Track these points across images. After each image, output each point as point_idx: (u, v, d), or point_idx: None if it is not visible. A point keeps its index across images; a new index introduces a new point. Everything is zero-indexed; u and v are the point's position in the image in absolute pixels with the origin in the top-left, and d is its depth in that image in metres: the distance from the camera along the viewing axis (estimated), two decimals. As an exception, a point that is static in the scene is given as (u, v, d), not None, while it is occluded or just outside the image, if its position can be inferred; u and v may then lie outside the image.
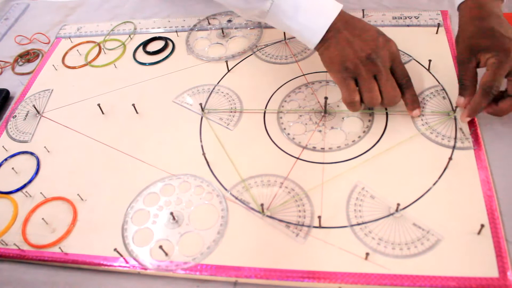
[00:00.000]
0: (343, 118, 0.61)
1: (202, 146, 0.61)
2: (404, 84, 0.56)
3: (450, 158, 0.54)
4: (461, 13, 0.59)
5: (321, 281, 0.47)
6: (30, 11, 0.96)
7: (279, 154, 0.58)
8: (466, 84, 0.55)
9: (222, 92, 0.68)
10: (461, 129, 0.57)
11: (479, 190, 0.51)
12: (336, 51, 0.55)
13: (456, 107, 0.58)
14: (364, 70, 0.54)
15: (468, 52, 0.55)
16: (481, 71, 0.55)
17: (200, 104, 0.65)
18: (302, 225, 0.51)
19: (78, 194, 0.58)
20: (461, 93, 0.56)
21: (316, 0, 0.56)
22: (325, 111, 0.61)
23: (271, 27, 0.75)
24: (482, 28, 0.55)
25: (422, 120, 0.59)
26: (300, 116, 0.62)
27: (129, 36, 0.81)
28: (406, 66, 0.64)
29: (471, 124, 0.57)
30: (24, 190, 0.60)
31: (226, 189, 0.56)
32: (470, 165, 0.53)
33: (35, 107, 0.71)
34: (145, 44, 0.79)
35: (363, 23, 0.57)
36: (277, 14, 0.57)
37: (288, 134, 0.60)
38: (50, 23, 0.90)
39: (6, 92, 0.74)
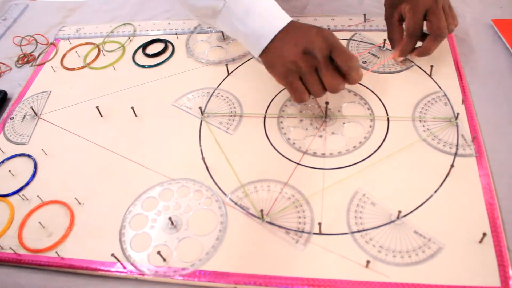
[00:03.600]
0: (344, 123, 0.60)
1: (201, 150, 0.60)
2: (346, 71, 0.54)
3: (452, 165, 0.53)
4: None
5: (321, 288, 0.46)
6: (28, 12, 0.95)
7: (279, 159, 0.58)
8: (393, 38, 0.65)
9: (222, 96, 0.67)
10: (463, 135, 0.56)
11: (481, 198, 0.50)
12: (276, 53, 0.55)
13: (458, 114, 0.57)
14: (304, 66, 0.54)
15: (390, 8, 0.64)
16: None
17: (200, 107, 0.65)
18: (302, 231, 0.51)
19: (75, 198, 0.57)
20: (392, 46, 0.66)
21: (268, 7, 0.56)
22: (325, 116, 0.61)
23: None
24: None
25: (423, 126, 0.58)
26: (301, 121, 0.61)
27: (129, 38, 0.81)
28: (408, 72, 0.65)
29: (473, 130, 0.57)
30: (20, 193, 0.59)
31: (225, 194, 0.55)
32: (472, 173, 0.53)
33: (33, 109, 0.70)
34: (144, 46, 0.78)
35: (301, 23, 0.56)
36: (228, 15, 0.57)
37: (289, 139, 0.60)
38: (49, 24, 0.89)
39: (4, 93, 0.74)
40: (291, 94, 0.57)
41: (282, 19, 0.56)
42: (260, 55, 0.58)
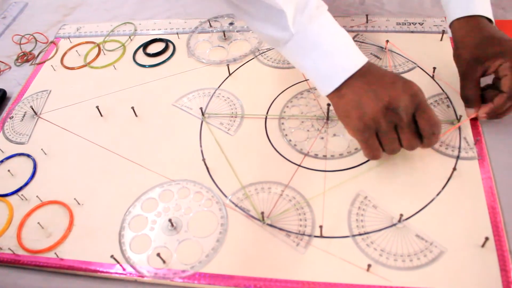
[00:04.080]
0: (345, 125, 0.60)
1: (202, 151, 0.60)
2: (427, 136, 0.49)
3: (454, 169, 0.53)
4: (455, 28, 0.59)
5: (321, 292, 0.46)
6: (28, 10, 0.95)
7: (280, 161, 0.57)
8: (473, 98, 0.55)
9: (223, 96, 0.67)
10: (465, 138, 0.56)
11: (483, 202, 0.50)
12: (352, 102, 0.49)
13: (461, 116, 0.57)
14: (384, 123, 0.48)
15: (474, 62, 0.54)
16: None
17: (201, 108, 0.64)
18: (303, 234, 0.50)
19: (75, 198, 0.57)
20: (468, 105, 0.56)
21: (341, 44, 0.51)
22: (327, 117, 0.60)
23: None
24: (484, 37, 0.55)
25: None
26: (302, 122, 0.61)
27: (129, 37, 0.80)
28: (410, 73, 0.64)
29: (476, 133, 0.56)
30: (20, 193, 0.59)
31: (226, 196, 0.55)
32: (474, 176, 0.53)
33: (32, 108, 0.70)
34: (145, 45, 0.78)
35: (382, 70, 0.51)
36: (294, 49, 0.52)
37: (290, 140, 0.59)
38: (48, 22, 0.89)
39: (3, 92, 0.73)
40: (363, 149, 0.51)
41: (357, 60, 0.50)
42: (330, 97, 0.52)
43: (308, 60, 0.51)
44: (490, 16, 0.57)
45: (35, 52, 0.82)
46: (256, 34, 0.59)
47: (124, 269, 0.50)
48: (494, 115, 0.55)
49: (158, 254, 0.49)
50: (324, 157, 0.57)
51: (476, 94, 0.55)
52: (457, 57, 0.58)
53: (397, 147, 0.50)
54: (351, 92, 0.49)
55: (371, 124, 0.48)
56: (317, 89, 0.53)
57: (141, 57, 0.76)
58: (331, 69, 0.50)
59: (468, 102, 0.56)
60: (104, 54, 0.78)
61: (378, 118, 0.48)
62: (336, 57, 0.50)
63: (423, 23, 0.72)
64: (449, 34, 0.68)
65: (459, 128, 0.57)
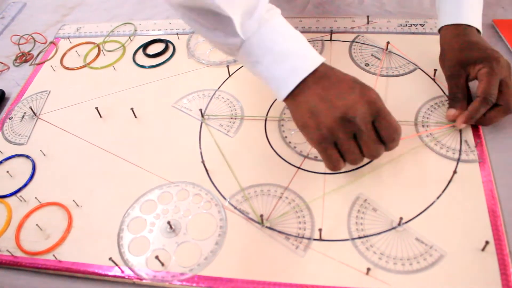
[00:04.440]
0: (345, 127, 0.59)
1: (201, 153, 0.60)
2: (387, 143, 0.48)
3: (455, 171, 0.53)
4: (442, 34, 0.61)
5: (321, 296, 0.46)
6: (27, 10, 0.95)
7: (280, 163, 0.57)
8: (459, 97, 0.56)
9: (223, 98, 0.66)
10: (466, 141, 0.56)
11: (484, 205, 0.50)
12: (308, 112, 0.48)
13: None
14: (341, 133, 0.47)
15: (459, 66, 0.57)
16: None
17: (200, 109, 0.64)
18: (302, 237, 0.50)
19: (73, 200, 0.57)
20: (452, 105, 0.57)
21: (294, 46, 0.49)
22: (327, 119, 0.60)
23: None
24: (468, 42, 0.57)
25: (426, 131, 0.57)
26: (302, 124, 0.61)
27: (129, 37, 0.80)
28: (411, 75, 0.64)
29: (477, 136, 0.56)
30: (18, 194, 0.59)
31: (225, 198, 0.55)
32: (475, 179, 0.52)
33: (31, 109, 0.69)
34: (145, 46, 0.78)
35: (340, 74, 0.49)
36: (245, 55, 0.50)
37: (290, 142, 0.59)
38: (47, 22, 0.89)
39: (2, 93, 0.73)
40: (324, 161, 0.50)
41: (312, 61, 0.49)
42: (287, 103, 0.51)
43: (261, 64, 0.50)
44: (479, 27, 0.59)
45: (34, 53, 0.82)
46: (211, 45, 0.58)
47: (122, 272, 0.50)
48: (473, 120, 0.55)
49: (157, 257, 0.49)
50: (324, 159, 0.57)
51: (462, 95, 0.56)
52: (442, 60, 0.60)
53: (358, 157, 0.49)
54: (307, 100, 0.48)
55: (328, 135, 0.47)
56: (274, 94, 0.52)
57: (141, 58, 0.76)
58: (284, 72, 0.49)
59: (454, 101, 0.57)
60: (104, 55, 0.78)
61: (335, 129, 0.47)
62: (289, 59, 0.49)
63: (424, 25, 0.72)
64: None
65: (460, 131, 0.57)
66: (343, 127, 0.47)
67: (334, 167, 0.49)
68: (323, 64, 0.49)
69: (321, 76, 0.48)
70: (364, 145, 0.48)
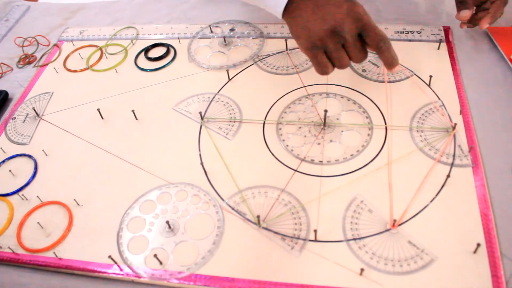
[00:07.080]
0: (342, 131, 0.61)
1: (200, 155, 0.61)
2: (378, 50, 0.54)
3: (448, 176, 0.54)
4: None
5: (315, 295, 0.47)
6: (30, 13, 0.96)
7: (277, 166, 0.58)
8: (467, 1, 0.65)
9: (222, 101, 0.68)
10: (460, 146, 0.57)
11: (476, 209, 0.51)
12: (301, 24, 0.54)
13: (456, 124, 0.58)
14: (331, 43, 0.53)
15: None
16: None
17: (200, 112, 0.65)
18: (298, 238, 0.51)
19: (74, 199, 0.58)
20: (461, 8, 0.66)
21: None
22: (324, 123, 0.61)
23: (274, 37, 0.76)
24: None
25: (421, 136, 0.59)
26: (300, 128, 0.62)
27: (131, 41, 0.81)
28: (407, 81, 0.65)
29: (470, 141, 0.57)
30: (20, 193, 0.60)
31: (223, 199, 0.56)
32: (468, 183, 0.53)
33: (34, 110, 0.71)
34: (147, 50, 0.79)
35: None
36: None
37: (287, 145, 0.60)
38: (50, 25, 0.90)
39: (5, 94, 0.74)
40: (314, 65, 0.56)
41: None
42: (285, 20, 0.57)
43: None
44: None
45: (37, 55, 0.83)
46: None
47: (121, 270, 0.51)
48: (494, 20, 0.65)
49: (155, 255, 0.50)
50: (320, 162, 0.58)
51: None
52: None
53: (345, 63, 0.55)
54: (301, 15, 0.54)
55: (318, 43, 0.54)
56: (273, 12, 0.58)
57: (142, 61, 0.77)
58: None
59: (462, 3, 0.65)
60: (106, 58, 0.79)
61: (324, 39, 0.53)
62: None
63: (421, 32, 0.73)
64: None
65: (454, 136, 0.58)
66: (332, 38, 0.53)
67: (322, 71, 0.56)
68: None
69: None
70: (351, 53, 0.54)
